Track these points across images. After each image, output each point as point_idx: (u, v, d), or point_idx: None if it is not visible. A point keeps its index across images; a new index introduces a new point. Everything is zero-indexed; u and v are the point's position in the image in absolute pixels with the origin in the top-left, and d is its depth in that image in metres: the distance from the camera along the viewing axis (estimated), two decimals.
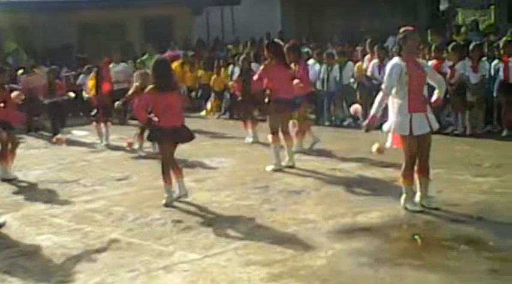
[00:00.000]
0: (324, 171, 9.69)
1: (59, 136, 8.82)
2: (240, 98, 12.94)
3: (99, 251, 6.69)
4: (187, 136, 8.40)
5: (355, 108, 8.18)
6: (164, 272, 5.99)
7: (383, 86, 7.29)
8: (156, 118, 8.17)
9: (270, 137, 9.95)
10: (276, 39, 10.39)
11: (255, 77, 10.15)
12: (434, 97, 7.45)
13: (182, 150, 9.03)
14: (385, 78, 7.33)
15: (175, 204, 8.27)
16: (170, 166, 8.30)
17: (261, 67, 10.22)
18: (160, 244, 6.77)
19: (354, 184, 8.87)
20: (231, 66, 16.66)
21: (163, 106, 8.09)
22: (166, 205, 8.14)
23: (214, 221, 7.48)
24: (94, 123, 13.38)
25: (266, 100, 9.98)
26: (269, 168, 9.88)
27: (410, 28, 7.33)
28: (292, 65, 10.45)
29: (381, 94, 7.29)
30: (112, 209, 8.27)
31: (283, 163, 9.94)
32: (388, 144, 7.58)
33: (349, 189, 8.66)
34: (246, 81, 12.72)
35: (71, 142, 13.17)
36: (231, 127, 12.75)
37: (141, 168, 10.82)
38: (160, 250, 6.59)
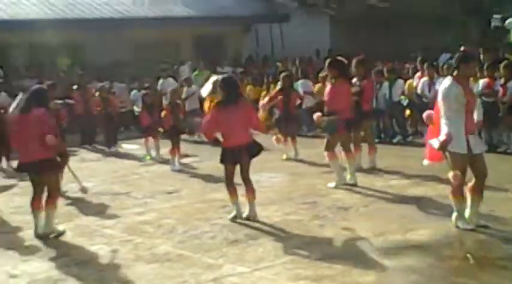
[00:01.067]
0: (373, 187, 9.63)
1: (83, 187, 9.17)
2: (278, 115, 13.02)
3: (149, 262, 6.78)
4: (258, 149, 8.26)
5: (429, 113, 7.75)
6: None
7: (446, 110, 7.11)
8: (221, 138, 8.17)
9: (326, 154, 9.87)
10: (338, 57, 10.22)
11: (326, 98, 10.04)
12: (476, 120, 7.35)
13: None
14: (443, 100, 7.16)
15: (224, 216, 8.33)
16: (233, 180, 8.20)
17: (328, 87, 10.11)
18: (209, 256, 6.82)
19: (404, 201, 8.79)
20: (279, 83, 16.68)
21: (228, 122, 8.01)
22: (234, 219, 8.17)
23: (263, 236, 7.50)
24: (143, 138, 13.59)
25: (331, 118, 9.84)
26: (331, 185, 9.79)
27: (471, 52, 7.27)
28: (355, 80, 10.54)
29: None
30: (162, 221, 8.37)
31: (347, 181, 9.84)
32: (425, 162, 7.53)
33: (399, 206, 8.60)
34: (286, 98, 12.80)
35: (122, 156, 13.39)
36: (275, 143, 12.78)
37: (191, 181, 10.94)
38: (209, 262, 6.64)
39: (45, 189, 7.97)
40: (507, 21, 19.65)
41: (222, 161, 8.27)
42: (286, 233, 7.57)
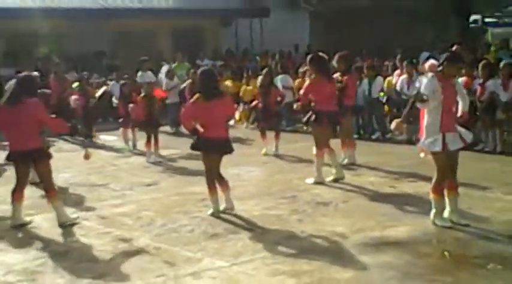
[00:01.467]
0: (352, 183, 9.65)
1: (88, 152, 8.97)
2: (259, 111, 13.03)
3: (128, 255, 6.74)
4: (230, 148, 8.27)
5: (398, 124, 7.84)
6: (192, 279, 6.02)
7: (424, 95, 7.17)
8: (201, 129, 8.13)
9: (314, 150, 9.84)
10: (319, 53, 10.18)
11: (302, 92, 10.14)
12: (460, 113, 7.42)
13: None
14: (423, 89, 7.23)
15: (203, 210, 8.31)
16: (215, 177, 8.19)
17: (307, 82, 10.18)
18: (188, 250, 6.79)
19: (383, 198, 8.83)
20: (259, 77, 16.69)
21: (209, 116, 8.01)
22: (212, 214, 8.10)
23: (242, 230, 7.49)
24: (121, 129, 13.51)
25: (310, 114, 9.95)
26: (309, 181, 9.79)
27: (459, 53, 7.34)
28: (337, 75, 10.55)
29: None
30: (141, 214, 8.33)
31: (332, 178, 9.83)
32: (422, 154, 7.57)
33: (378, 202, 8.63)
34: (266, 93, 12.83)
35: (100, 147, 13.30)
36: (259, 137, 12.76)
37: (170, 174, 10.90)
38: (188, 256, 6.62)
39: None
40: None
41: (193, 147, 8.30)
42: (265, 228, 7.56)
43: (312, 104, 10.00)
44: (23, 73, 8.47)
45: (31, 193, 9.63)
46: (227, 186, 8.27)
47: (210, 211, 8.17)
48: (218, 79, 9.13)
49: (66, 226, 7.82)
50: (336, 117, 10.08)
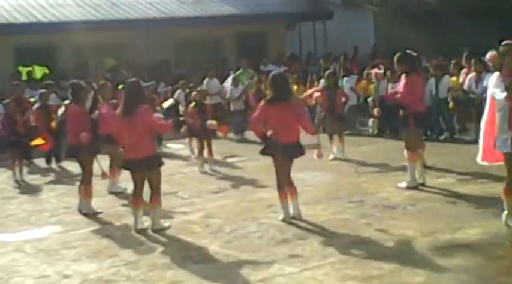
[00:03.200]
0: (420, 186, 9.52)
1: (104, 173, 9.33)
2: (323, 113, 12.88)
3: (198, 262, 6.84)
4: (300, 152, 8.21)
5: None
6: None
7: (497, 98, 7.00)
8: (270, 133, 8.14)
9: (406, 153, 9.56)
10: (408, 51, 9.69)
11: (401, 93, 9.49)
12: None
13: None
14: (493, 91, 7.07)
15: (271, 216, 8.35)
16: (284, 182, 8.18)
17: (403, 81, 9.50)
18: (257, 256, 6.84)
19: (453, 200, 8.70)
20: (322, 80, 16.68)
21: (278, 119, 8.00)
22: (283, 220, 8.12)
23: (311, 235, 7.49)
24: (187, 138, 13.63)
25: (403, 115, 9.54)
26: (402, 184, 9.53)
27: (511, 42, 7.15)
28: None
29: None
30: (209, 221, 8.43)
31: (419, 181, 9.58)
32: (478, 159, 7.39)
33: (447, 204, 8.51)
34: (331, 96, 12.66)
35: (168, 156, 13.50)
36: (324, 141, 12.70)
37: (237, 180, 10.99)
38: (257, 262, 6.65)
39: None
40: None
41: (263, 152, 8.30)
42: (333, 233, 7.55)
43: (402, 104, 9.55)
44: (130, 81, 8.67)
45: (111, 202, 9.93)
46: (295, 192, 8.25)
47: (281, 216, 8.19)
48: (289, 83, 9.11)
49: (158, 231, 8.04)
50: (427, 119, 9.81)
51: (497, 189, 7.84)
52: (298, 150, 8.19)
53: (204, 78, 17.47)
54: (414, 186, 9.41)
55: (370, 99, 15.76)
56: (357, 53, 23.22)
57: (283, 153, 8.06)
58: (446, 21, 21.87)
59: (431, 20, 22.16)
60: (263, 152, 8.34)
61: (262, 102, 8.32)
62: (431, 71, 14.50)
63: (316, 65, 21.35)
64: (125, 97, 8.22)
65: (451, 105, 14.20)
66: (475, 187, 9.24)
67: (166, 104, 14.70)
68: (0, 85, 17.86)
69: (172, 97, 16.27)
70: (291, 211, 8.21)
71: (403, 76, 9.55)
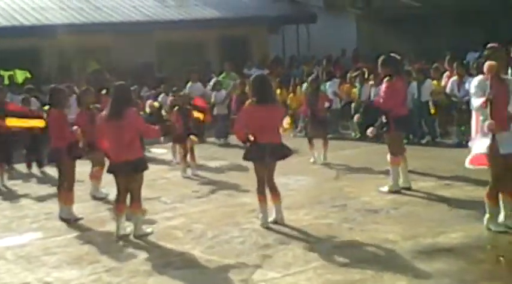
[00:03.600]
0: (402, 190, 9.53)
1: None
2: (306, 118, 12.89)
3: (180, 268, 6.82)
4: (286, 153, 8.23)
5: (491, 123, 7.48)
6: None
7: (473, 103, 7.06)
8: (252, 137, 8.12)
9: (389, 158, 9.56)
10: (391, 54, 9.73)
11: (383, 97, 9.44)
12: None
13: None
14: (472, 95, 7.14)
15: (253, 221, 8.34)
16: (266, 186, 8.15)
17: (384, 85, 9.47)
18: (239, 261, 6.82)
19: (434, 204, 8.74)
20: (304, 84, 16.73)
21: (262, 122, 7.99)
22: (262, 225, 8.11)
23: (293, 240, 7.48)
24: (171, 143, 13.55)
25: (383, 120, 9.47)
26: (383, 189, 9.53)
27: (496, 45, 7.20)
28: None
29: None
30: (192, 226, 8.40)
31: (401, 185, 9.57)
32: (466, 164, 7.41)
33: (429, 208, 8.55)
34: (312, 101, 12.70)
35: (151, 160, 13.42)
36: (306, 146, 12.73)
37: (219, 185, 10.95)
38: (240, 268, 6.64)
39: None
40: None
41: (246, 157, 8.27)
42: (316, 238, 7.55)
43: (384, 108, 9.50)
44: (118, 83, 8.64)
45: (93, 208, 9.86)
46: (279, 196, 8.24)
47: (260, 222, 8.19)
48: (271, 85, 9.10)
49: (140, 237, 8.00)
50: (409, 122, 9.79)
51: (479, 192, 7.90)
52: (286, 150, 8.21)
53: (187, 82, 17.43)
54: (396, 190, 9.43)
55: (353, 105, 15.77)
56: (344, 55, 23.29)
57: (271, 154, 8.03)
58: (428, 25, 22.01)
59: (413, 23, 22.28)
60: (246, 157, 8.30)
61: (246, 105, 8.29)
62: (413, 74, 14.53)
63: (300, 68, 21.38)
64: (112, 100, 8.15)
65: (432, 109, 14.24)
66: (457, 191, 9.28)
67: (148, 110, 14.68)
68: None
69: (157, 101, 16.22)
70: (273, 215, 8.21)
71: (384, 80, 9.56)
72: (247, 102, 8.33)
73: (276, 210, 8.23)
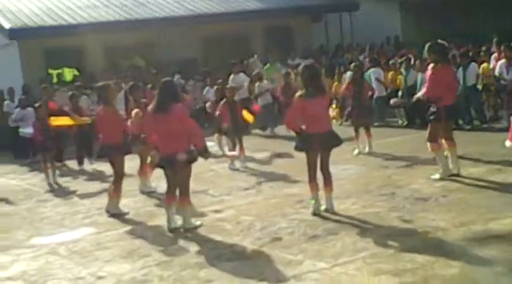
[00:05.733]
0: (452, 176, 9.41)
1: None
2: (351, 107, 12.77)
3: (230, 260, 6.86)
4: (337, 141, 8.27)
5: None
6: (294, 281, 6.05)
7: None
8: (304, 127, 8.17)
9: (429, 145, 9.50)
10: (439, 40, 9.57)
11: (427, 85, 9.39)
12: None
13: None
14: None
15: (301, 211, 8.35)
16: (316, 174, 8.21)
17: (429, 72, 9.37)
18: (289, 253, 6.84)
19: (485, 190, 8.61)
20: (348, 73, 16.65)
21: (314, 112, 8.03)
22: (314, 214, 8.14)
23: (342, 230, 7.47)
24: (216, 134, 13.63)
25: (433, 109, 9.36)
26: (435, 176, 9.40)
27: None
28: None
29: None
30: (240, 218, 8.45)
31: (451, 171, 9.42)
32: (507, 144, 7.25)
33: (479, 194, 8.42)
34: (357, 89, 12.59)
35: None
36: (353, 134, 12.64)
37: (266, 177, 10.98)
38: (289, 259, 6.65)
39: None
40: None
41: (298, 148, 8.32)
42: (364, 227, 7.52)
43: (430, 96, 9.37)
44: (165, 79, 8.71)
45: (143, 202, 10.00)
46: (331, 186, 8.26)
47: (311, 209, 8.20)
48: (321, 75, 9.09)
49: (190, 230, 8.07)
50: (457, 110, 9.60)
51: None
52: (336, 139, 8.24)
53: (230, 74, 17.49)
54: (449, 176, 9.28)
55: (399, 93, 15.61)
56: (389, 43, 23.06)
57: (322, 142, 8.05)
58: (473, 8, 21.60)
59: (458, 7, 21.88)
60: (298, 148, 8.35)
61: (296, 96, 8.30)
62: (457, 59, 14.31)
63: (344, 57, 21.26)
64: (158, 95, 8.24)
65: (484, 96, 13.96)
66: (508, 176, 9.12)
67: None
68: (31, 89, 18.04)
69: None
70: (324, 204, 8.20)
71: (430, 67, 9.43)
72: (298, 93, 8.34)
73: (327, 198, 8.24)
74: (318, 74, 8.53)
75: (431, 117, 9.41)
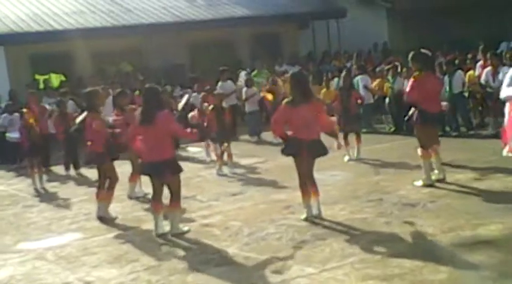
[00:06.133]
0: (437, 182, 9.45)
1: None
2: (339, 115, 12.81)
3: (217, 265, 6.84)
4: (323, 151, 8.24)
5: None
6: None
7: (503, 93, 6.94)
8: (291, 133, 8.18)
9: (419, 151, 9.55)
10: (422, 49, 9.72)
11: (408, 90, 9.51)
12: None
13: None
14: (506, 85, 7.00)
15: (289, 217, 8.35)
16: (306, 181, 8.19)
17: (411, 79, 9.54)
18: (277, 258, 6.82)
19: (472, 196, 8.65)
20: (335, 79, 16.73)
21: (300, 118, 8.01)
22: (305, 219, 8.14)
23: (330, 235, 7.47)
24: (204, 142, 13.58)
25: (412, 113, 9.55)
26: (418, 183, 9.45)
27: None
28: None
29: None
30: (228, 224, 8.43)
31: (434, 177, 9.49)
32: (504, 153, 7.31)
33: (467, 200, 8.46)
34: (346, 97, 12.65)
35: (186, 159, 13.53)
36: (341, 140, 12.63)
37: (255, 182, 10.98)
38: (277, 264, 6.65)
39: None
40: None
41: (284, 152, 8.31)
42: (352, 233, 7.53)
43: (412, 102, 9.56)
44: (147, 86, 8.72)
45: (131, 207, 9.97)
46: (318, 191, 8.27)
47: (303, 215, 8.20)
48: (309, 82, 9.08)
49: (178, 235, 8.05)
50: (440, 118, 9.68)
51: None
52: (322, 148, 8.20)
53: (217, 81, 17.50)
54: (430, 184, 9.34)
55: (386, 100, 15.67)
56: (376, 50, 23.16)
57: (308, 150, 8.04)
58: (460, 16, 21.75)
59: (445, 14, 22.04)
60: (285, 152, 8.34)
61: (284, 103, 8.30)
62: (444, 67, 14.40)
63: (331, 64, 21.32)
64: (143, 104, 8.27)
65: (470, 103, 14.04)
66: (494, 182, 9.17)
67: (181, 104, 14.72)
68: (18, 95, 17.94)
69: (187, 93, 16.26)
70: (313, 210, 8.21)
71: (413, 74, 9.51)
72: (285, 99, 8.34)
73: (313, 204, 8.23)
74: (305, 81, 8.53)
75: (410, 121, 9.53)
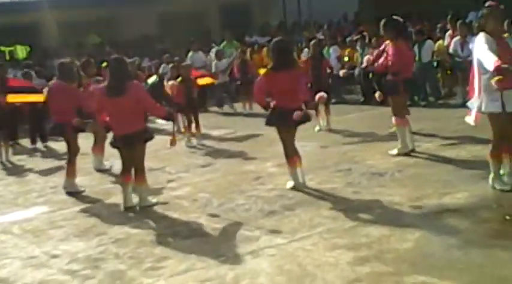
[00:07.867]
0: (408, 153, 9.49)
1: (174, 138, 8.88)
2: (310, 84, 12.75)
3: (186, 237, 6.81)
4: (307, 118, 8.09)
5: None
6: (251, 257, 6.02)
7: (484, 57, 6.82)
8: (273, 102, 8.10)
9: (394, 120, 9.52)
10: (394, 17, 9.55)
11: (393, 60, 9.30)
12: None
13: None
14: (481, 50, 6.89)
15: (258, 188, 8.33)
16: (292, 150, 8.17)
17: (391, 49, 9.32)
18: (245, 229, 6.81)
19: (439, 165, 8.69)
20: (305, 50, 16.66)
21: (281, 87, 7.92)
22: (293, 188, 8.12)
23: (298, 206, 7.47)
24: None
25: (389, 81, 9.42)
26: (393, 151, 9.45)
27: (494, 3, 7.07)
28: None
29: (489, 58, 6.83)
30: (197, 195, 8.40)
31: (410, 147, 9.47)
32: (471, 121, 7.31)
33: (434, 169, 8.50)
34: (316, 66, 12.59)
35: (155, 131, 13.37)
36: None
37: (224, 154, 10.95)
38: (246, 235, 6.64)
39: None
40: None
41: (269, 123, 8.25)
42: (321, 203, 7.53)
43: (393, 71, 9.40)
44: (113, 57, 8.49)
45: (98, 180, 9.87)
46: (300, 160, 8.23)
47: (291, 184, 8.18)
48: (292, 49, 8.95)
49: (146, 207, 8.01)
50: (414, 84, 9.70)
51: (484, 152, 7.82)
52: (307, 115, 8.07)
53: (188, 52, 17.35)
54: (406, 153, 9.36)
55: (356, 70, 15.66)
56: (346, 20, 23.10)
57: (292, 119, 7.90)
58: None
59: None
60: (270, 123, 8.26)
61: (265, 71, 8.21)
62: (413, 36, 14.42)
63: (301, 35, 21.24)
64: (110, 75, 8.07)
65: (439, 72, 14.10)
66: (462, 151, 9.23)
67: (151, 80, 14.59)
68: None
69: (157, 73, 16.13)
70: (300, 178, 8.19)
71: (388, 43, 9.44)
72: (267, 67, 8.25)
73: (300, 173, 8.21)
74: (288, 48, 8.43)
75: (391, 91, 9.43)
